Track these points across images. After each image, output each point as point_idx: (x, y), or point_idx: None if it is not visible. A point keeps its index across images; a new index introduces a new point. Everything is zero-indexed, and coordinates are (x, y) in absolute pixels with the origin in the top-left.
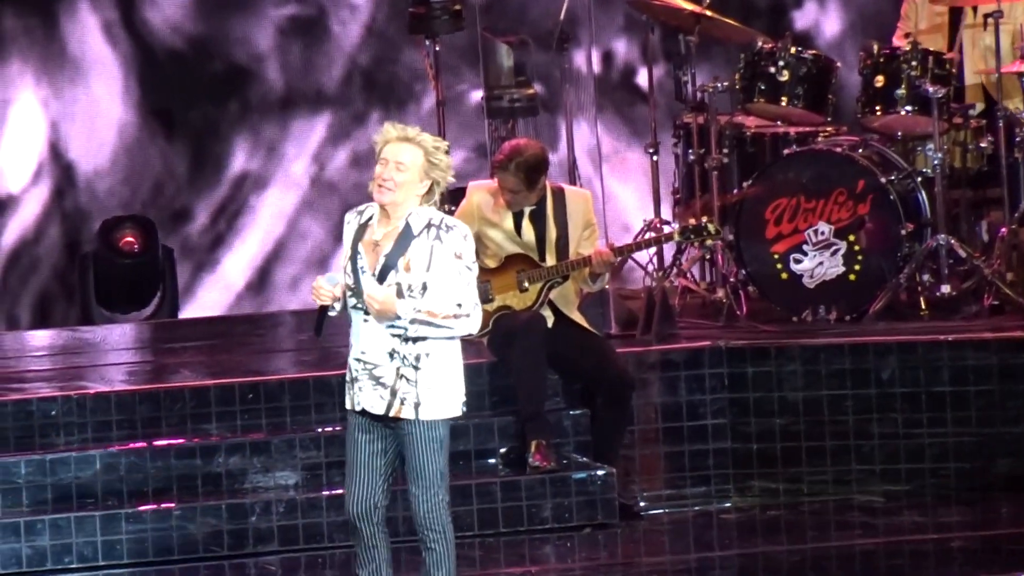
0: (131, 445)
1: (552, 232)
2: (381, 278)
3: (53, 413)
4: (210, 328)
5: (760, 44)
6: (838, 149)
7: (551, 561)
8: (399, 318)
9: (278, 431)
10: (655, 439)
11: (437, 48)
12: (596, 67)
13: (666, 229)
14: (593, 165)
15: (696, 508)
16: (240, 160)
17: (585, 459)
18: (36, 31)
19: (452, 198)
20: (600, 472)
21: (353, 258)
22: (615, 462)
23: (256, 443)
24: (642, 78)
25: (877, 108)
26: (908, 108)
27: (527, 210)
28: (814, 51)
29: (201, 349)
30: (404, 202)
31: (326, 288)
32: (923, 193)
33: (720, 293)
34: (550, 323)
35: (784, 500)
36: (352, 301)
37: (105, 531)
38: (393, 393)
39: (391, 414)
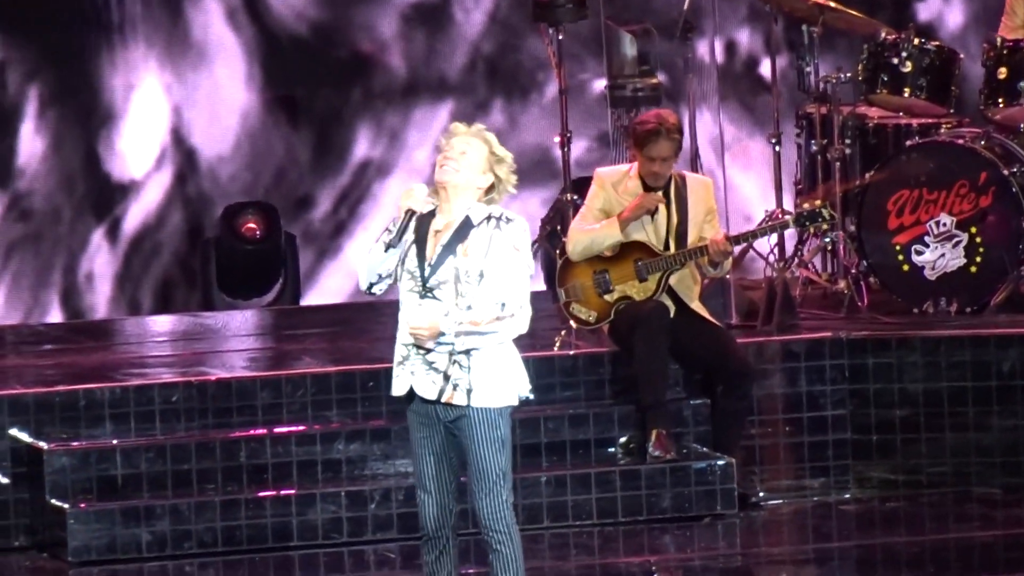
0: (252, 432)
1: (673, 218)
2: (438, 263)
3: (174, 399)
4: (332, 315)
5: (883, 35)
6: (960, 141)
7: (670, 551)
8: (443, 334)
9: (398, 419)
10: (775, 430)
11: (560, 36)
12: (719, 57)
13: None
14: (716, 155)
15: (815, 499)
16: (363, 147)
17: (705, 449)
18: (160, 17)
19: (575, 187)
20: (720, 462)
21: (420, 245)
22: (735, 452)
23: (376, 430)
24: (765, 68)
25: (1000, 100)
26: None
27: (657, 193)
28: (937, 43)
29: (323, 336)
30: (465, 189)
31: (418, 195)
32: None
33: (841, 284)
34: (671, 313)
35: (903, 492)
36: (409, 284)
37: (225, 517)
38: (446, 378)
39: (443, 400)
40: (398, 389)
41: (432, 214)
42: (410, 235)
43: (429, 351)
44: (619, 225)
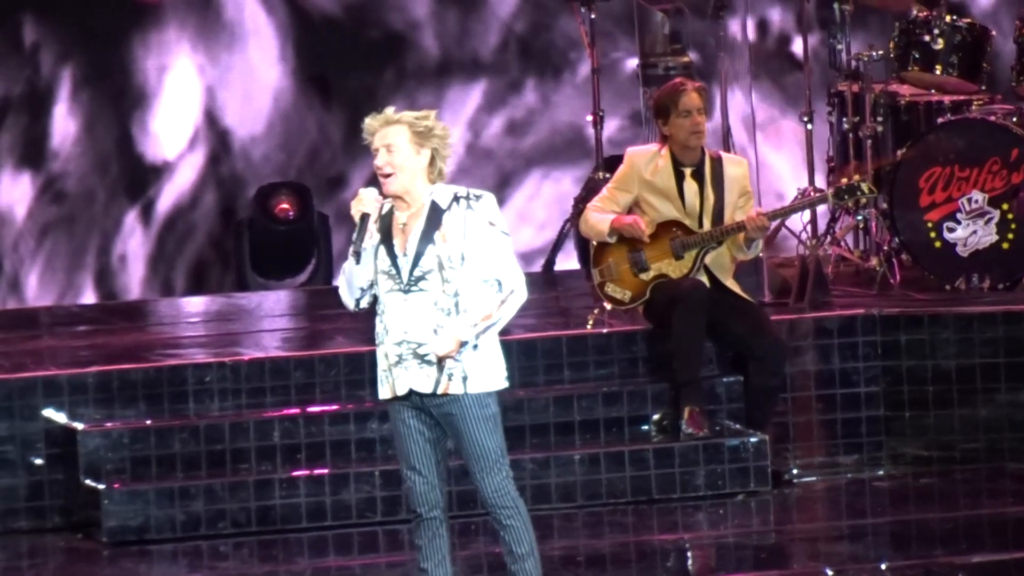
0: (285, 411)
1: (710, 197)
2: (419, 254)
3: (207, 379)
4: None
5: (915, 12)
6: (992, 118)
7: (704, 528)
8: (466, 343)
9: None
10: (808, 406)
11: (593, 16)
12: (751, 35)
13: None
14: (747, 133)
15: (849, 476)
16: None
17: (738, 426)
18: None
19: (607, 165)
20: (753, 439)
21: (387, 244)
22: (768, 429)
23: None
24: (797, 46)
25: None
26: None
27: (687, 171)
28: (969, 19)
29: (356, 316)
30: (412, 182)
31: (367, 199)
32: None
33: (874, 261)
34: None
35: (937, 468)
36: (388, 285)
37: (259, 497)
38: (440, 369)
39: (439, 391)
40: (399, 390)
41: (391, 212)
42: (374, 238)
43: (421, 344)
44: (608, 227)
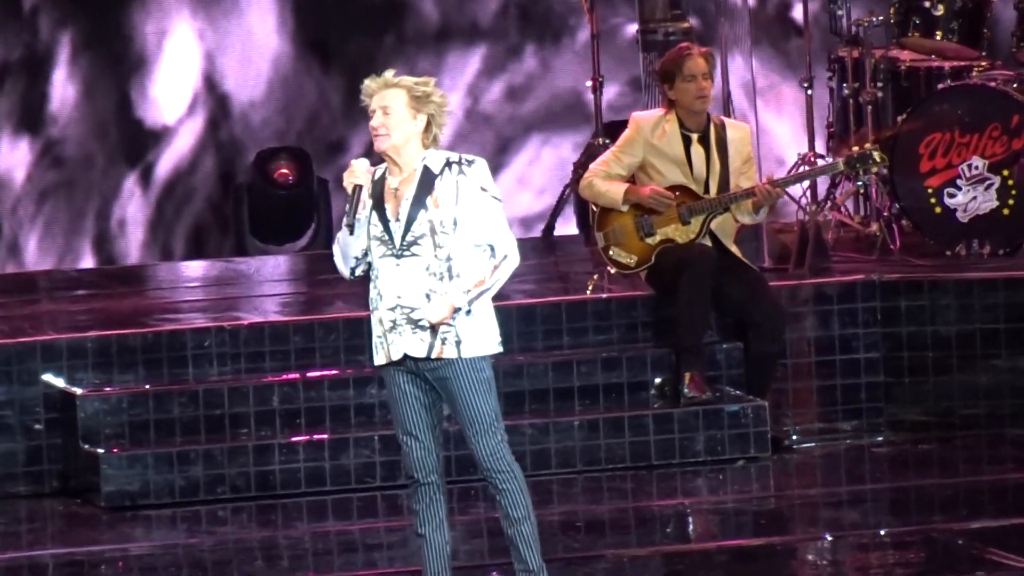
0: (284, 376)
1: (716, 163)
2: (411, 219)
3: (207, 344)
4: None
5: None
6: (993, 84)
7: (703, 494)
8: (459, 309)
9: None
10: (808, 373)
11: None
12: (751, 0)
13: (820, 163)
14: (748, 99)
15: (848, 442)
16: None
17: (738, 392)
18: None
19: (607, 131)
20: (753, 405)
21: (379, 209)
22: (767, 395)
23: None
24: (797, 12)
25: None
26: None
27: (694, 136)
28: None
29: (355, 280)
30: (405, 144)
31: (359, 170)
32: None
33: (874, 227)
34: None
35: (936, 434)
36: (381, 251)
37: (258, 462)
38: (434, 334)
39: (433, 355)
40: (393, 355)
41: (383, 177)
42: (367, 207)
43: (415, 309)
44: (623, 196)
